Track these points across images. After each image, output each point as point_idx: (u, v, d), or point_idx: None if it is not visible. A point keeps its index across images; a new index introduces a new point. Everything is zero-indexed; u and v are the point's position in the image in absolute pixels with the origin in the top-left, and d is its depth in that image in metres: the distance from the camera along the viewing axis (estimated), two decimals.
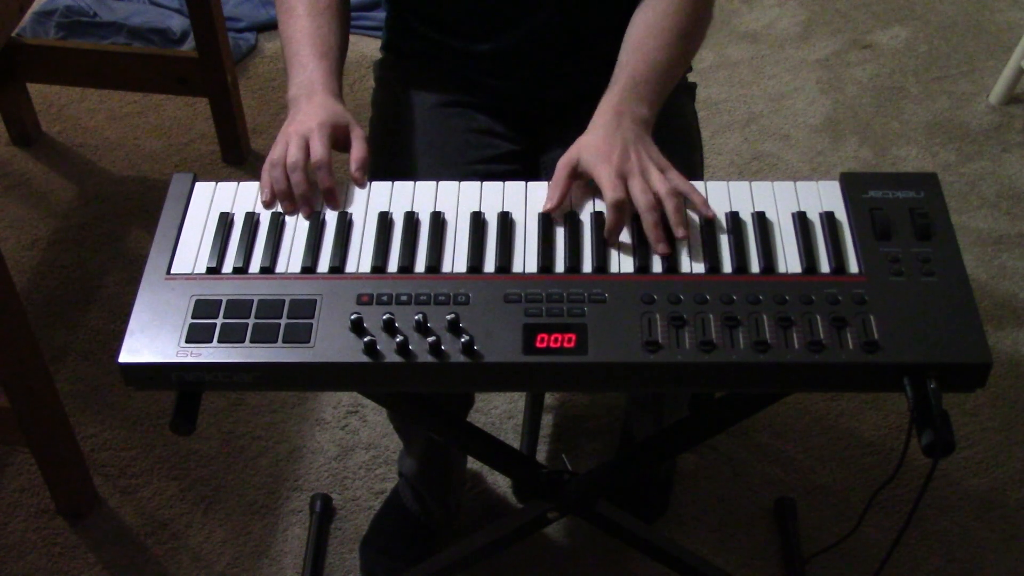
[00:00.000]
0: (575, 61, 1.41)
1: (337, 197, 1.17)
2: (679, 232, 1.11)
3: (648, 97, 1.21)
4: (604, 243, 1.11)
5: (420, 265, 1.10)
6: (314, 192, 1.17)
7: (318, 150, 1.17)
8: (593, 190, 1.17)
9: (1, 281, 1.47)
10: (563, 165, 1.17)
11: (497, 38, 1.38)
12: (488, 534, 1.48)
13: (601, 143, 1.16)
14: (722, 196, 1.16)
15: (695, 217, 1.14)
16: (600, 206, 1.15)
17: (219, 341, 1.03)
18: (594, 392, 1.87)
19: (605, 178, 1.13)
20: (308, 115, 1.21)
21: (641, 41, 1.25)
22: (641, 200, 1.12)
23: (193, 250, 1.12)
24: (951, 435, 1.00)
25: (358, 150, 1.21)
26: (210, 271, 1.10)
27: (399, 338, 1.02)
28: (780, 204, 1.15)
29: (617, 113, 1.19)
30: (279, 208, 1.17)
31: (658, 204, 1.12)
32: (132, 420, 1.88)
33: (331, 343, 1.03)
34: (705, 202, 1.14)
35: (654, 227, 1.11)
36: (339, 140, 1.22)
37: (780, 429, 1.85)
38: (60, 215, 2.24)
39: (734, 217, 1.13)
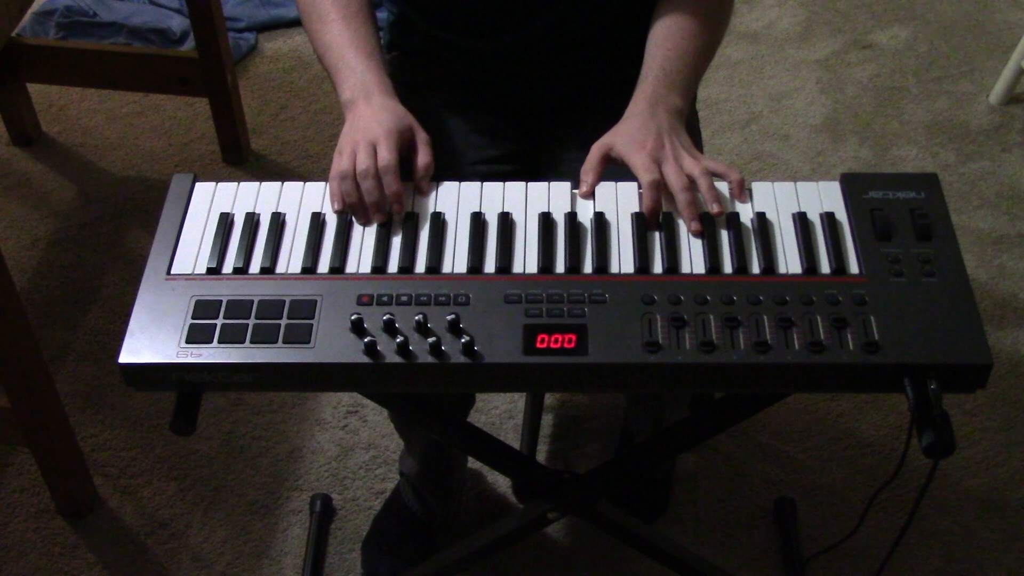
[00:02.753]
0: (577, 61, 1.41)
1: (404, 201, 1.15)
2: (714, 208, 1.13)
3: (680, 86, 1.23)
4: (605, 244, 1.11)
5: (420, 266, 1.10)
6: (384, 197, 1.16)
7: (385, 156, 1.16)
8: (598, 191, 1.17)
9: (1, 281, 1.47)
10: (597, 149, 1.19)
11: (500, 37, 1.38)
12: (488, 534, 1.48)
13: (636, 131, 1.18)
14: (723, 197, 1.16)
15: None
16: (602, 207, 1.15)
17: (219, 342, 1.03)
18: (594, 392, 1.87)
19: (639, 162, 1.15)
20: (372, 120, 1.20)
21: (667, 33, 1.26)
22: (675, 181, 1.14)
23: (193, 250, 1.12)
24: (952, 436, 1.00)
25: (424, 155, 1.20)
26: (210, 271, 1.10)
27: (399, 339, 1.02)
28: (780, 205, 1.15)
29: (651, 103, 1.21)
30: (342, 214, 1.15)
31: (691, 185, 1.14)
32: (132, 420, 1.88)
33: (331, 344, 1.03)
34: (741, 182, 1.16)
35: (688, 206, 1.13)
36: (404, 146, 1.20)
37: (780, 429, 1.85)
38: (60, 215, 2.24)
39: (734, 218, 1.13)
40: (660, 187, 1.14)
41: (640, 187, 1.15)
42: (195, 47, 2.19)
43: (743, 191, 1.16)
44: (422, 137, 1.22)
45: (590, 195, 1.17)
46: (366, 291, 1.07)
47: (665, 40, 1.26)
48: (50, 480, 1.72)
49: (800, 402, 1.88)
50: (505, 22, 1.36)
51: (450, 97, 1.42)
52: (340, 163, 1.17)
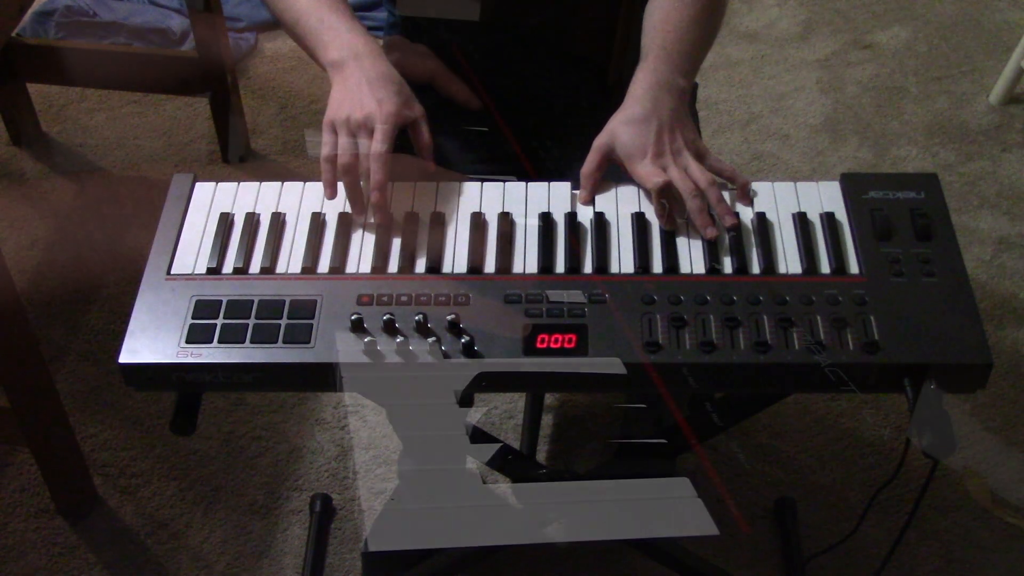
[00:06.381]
0: (578, 60, 1.41)
1: (385, 193, 1.12)
2: (728, 221, 1.12)
3: (682, 66, 1.20)
4: (604, 244, 1.11)
5: (420, 266, 1.10)
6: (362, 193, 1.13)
7: (379, 145, 1.13)
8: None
9: (1, 281, 1.47)
10: (596, 152, 1.17)
11: (502, 32, 1.37)
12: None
13: (636, 134, 1.15)
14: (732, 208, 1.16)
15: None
16: (602, 207, 1.15)
17: (219, 342, 1.03)
18: (594, 392, 1.87)
19: (642, 173, 1.13)
20: (369, 96, 1.15)
21: (666, 18, 1.24)
22: (682, 187, 1.12)
23: (193, 250, 1.12)
24: (952, 436, 1.00)
25: (425, 135, 1.18)
26: (210, 271, 1.10)
27: (399, 339, 1.02)
28: (780, 204, 1.15)
29: (653, 85, 1.17)
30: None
31: (699, 192, 1.12)
32: (132, 420, 1.88)
33: (331, 344, 1.03)
34: (746, 186, 1.15)
35: (700, 212, 1.12)
36: (402, 125, 1.17)
37: (780, 429, 1.85)
38: (60, 215, 2.24)
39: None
40: (668, 191, 1.12)
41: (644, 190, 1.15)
42: (195, 47, 2.19)
43: (747, 195, 1.15)
44: (418, 110, 1.19)
45: (590, 201, 1.16)
46: (366, 291, 1.07)
47: (663, 24, 1.23)
48: (50, 480, 1.72)
49: (800, 402, 1.88)
50: (507, 17, 1.36)
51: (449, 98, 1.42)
52: (328, 144, 1.15)
